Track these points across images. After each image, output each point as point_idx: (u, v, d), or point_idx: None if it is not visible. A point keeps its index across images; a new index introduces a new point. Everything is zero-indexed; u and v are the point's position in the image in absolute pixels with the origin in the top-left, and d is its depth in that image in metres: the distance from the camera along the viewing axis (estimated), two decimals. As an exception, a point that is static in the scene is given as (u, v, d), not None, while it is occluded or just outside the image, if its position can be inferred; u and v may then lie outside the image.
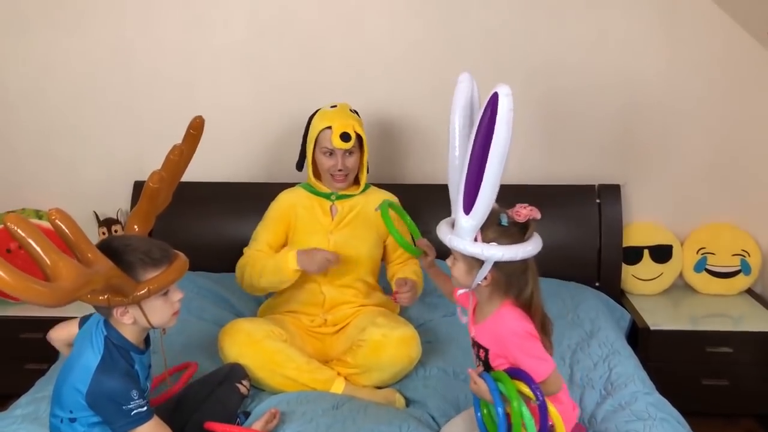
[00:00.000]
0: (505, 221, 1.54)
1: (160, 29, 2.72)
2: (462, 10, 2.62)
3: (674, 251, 2.75)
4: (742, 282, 2.75)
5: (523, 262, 1.55)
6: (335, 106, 2.23)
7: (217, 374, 1.91)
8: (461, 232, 1.54)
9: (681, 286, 2.82)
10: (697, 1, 2.57)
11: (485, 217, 1.52)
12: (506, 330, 1.57)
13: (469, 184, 1.50)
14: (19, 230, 1.21)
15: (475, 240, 1.53)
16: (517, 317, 1.57)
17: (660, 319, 2.54)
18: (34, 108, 2.80)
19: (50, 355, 2.18)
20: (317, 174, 2.27)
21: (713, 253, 2.74)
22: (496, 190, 1.50)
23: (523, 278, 1.56)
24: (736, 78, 2.65)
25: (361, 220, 2.24)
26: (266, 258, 2.19)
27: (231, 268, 2.32)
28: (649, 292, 2.77)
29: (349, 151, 2.19)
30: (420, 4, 2.64)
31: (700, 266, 2.75)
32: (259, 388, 2.00)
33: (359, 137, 2.20)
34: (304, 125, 2.27)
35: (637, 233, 2.76)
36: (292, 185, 2.36)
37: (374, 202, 2.18)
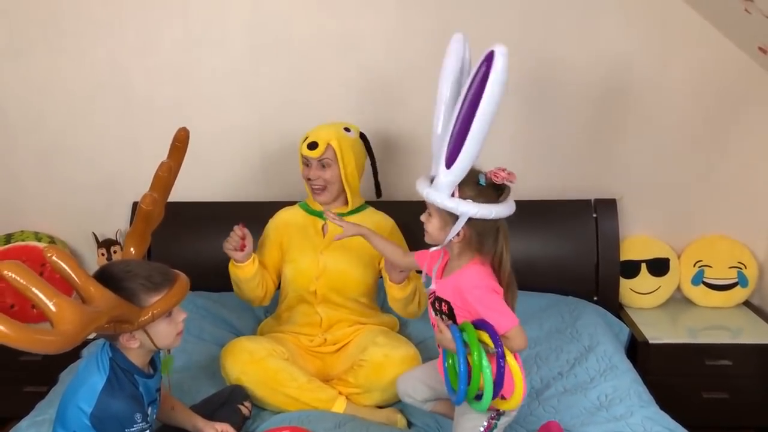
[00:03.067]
0: (483, 181, 1.59)
1: (157, 52, 2.74)
2: (458, 29, 2.64)
3: (671, 264, 2.76)
4: (739, 294, 2.75)
5: (495, 223, 1.60)
6: (324, 124, 2.26)
7: (218, 396, 1.91)
8: (440, 186, 1.59)
9: (679, 299, 2.83)
10: (688, 17, 2.61)
11: (464, 173, 1.57)
12: (468, 283, 1.61)
13: (454, 139, 1.55)
14: (17, 277, 1.19)
15: (452, 195, 1.58)
16: (481, 273, 1.62)
17: (659, 332, 2.55)
18: (33, 130, 2.81)
19: (49, 378, 2.19)
20: None
21: (710, 266, 2.75)
22: (479, 148, 1.54)
23: (493, 238, 1.61)
24: (727, 91, 2.68)
25: (353, 242, 2.16)
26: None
27: (229, 287, 2.32)
28: (647, 306, 2.78)
29: (322, 162, 2.19)
30: (416, 24, 2.66)
31: (698, 279, 2.76)
32: (260, 408, 2.00)
33: (335, 152, 2.18)
34: None
35: (634, 247, 2.77)
36: (291, 203, 2.37)
37: (372, 226, 2.13)
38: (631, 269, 2.76)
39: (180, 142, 1.86)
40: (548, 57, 2.69)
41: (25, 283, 1.20)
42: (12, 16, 2.72)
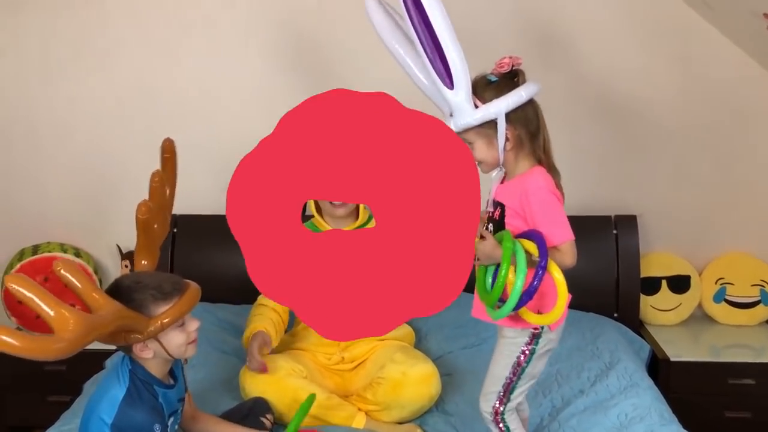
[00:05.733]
0: (493, 78, 1.57)
1: (181, 68, 2.80)
2: (482, 52, 2.66)
3: (692, 281, 2.74)
4: (762, 312, 2.72)
5: (533, 108, 1.58)
6: None
7: (241, 408, 1.92)
8: (459, 107, 1.56)
9: (700, 317, 2.80)
10: (709, 34, 2.60)
11: (469, 81, 1.55)
12: (534, 185, 1.57)
13: (436, 62, 1.53)
14: (20, 288, 1.23)
15: (476, 108, 1.55)
16: (547, 178, 1.59)
17: (680, 350, 2.52)
18: (61, 145, 2.87)
19: (73, 387, 2.22)
20: (320, 212, 2.27)
21: (732, 284, 2.72)
22: (460, 51, 1.53)
23: (540, 125, 1.59)
24: (749, 108, 2.67)
25: None
26: (253, 317, 2.20)
27: (250, 300, 2.34)
28: (668, 323, 2.76)
29: None
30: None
31: (720, 297, 2.74)
32: (281, 424, 2.01)
33: None
34: None
35: (655, 264, 2.75)
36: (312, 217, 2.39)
37: None
38: (651, 286, 2.74)
39: (167, 153, 1.87)
40: (568, 73, 2.70)
41: (27, 293, 1.23)
42: (43, 36, 2.79)
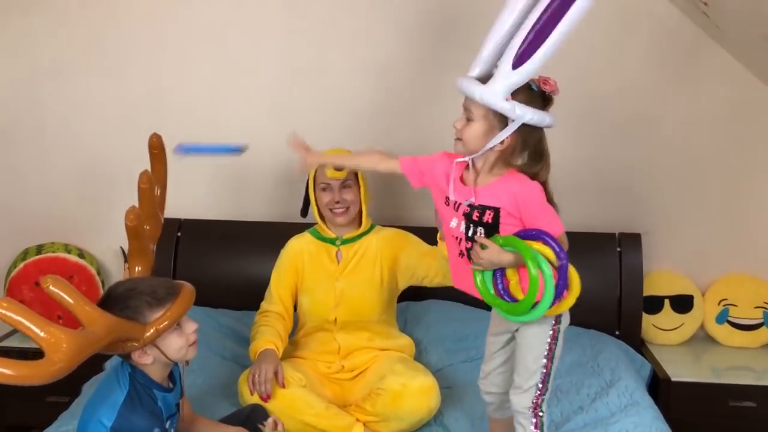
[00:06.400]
0: (535, 87, 1.55)
1: (193, 74, 2.81)
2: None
3: (695, 302, 2.73)
4: (765, 335, 2.71)
5: (540, 135, 1.58)
6: (331, 149, 2.26)
7: (238, 415, 1.91)
8: (498, 87, 1.51)
9: (702, 338, 2.79)
10: (716, 55, 2.61)
11: (531, 76, 1.52)
12: (528, 184, 1.58)
13: (530, 39, 1.49)
14: (8, 312, 1.22)
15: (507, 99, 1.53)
16: (530, 179, 1.59)
17: (681, 370, 2.51)
18: (70, 147, 2.89)
19: (72, 388, 2.21)
20: (323, 219, 2.28)
21: (735, 305, 2.71)
22: (552, 53, 1.51)
23: (539, 149, 1.58)
24: (755, 129, 2.67)
25: (367, 263, 2.22)
26: (260, 328, 2.19)
27: (252, 306, 2.35)
28: (670, 343, 2.75)
29: (345, 184, 2.20)
30: (447, 54, 2.69)
31: (722, 318, 2.73)
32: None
33: (355, 172, 2.21)
34: None
35: (658, 283, 2.74)
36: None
37: (379, 243, 2.21)
38: (654, 305, 2.73)
39: (155, 149, 1.86)
40: (576, 90, 2.70)
41: (15, 317, 1.23)
42: (56, 38, 2.82)
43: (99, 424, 1.51)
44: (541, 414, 1.69)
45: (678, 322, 2.74)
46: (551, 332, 1.66)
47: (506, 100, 1.52)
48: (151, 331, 1.48)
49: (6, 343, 2.71)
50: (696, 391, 2.44)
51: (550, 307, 1.55)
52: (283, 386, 2.02)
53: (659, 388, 2.45)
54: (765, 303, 2.71)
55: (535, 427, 1.69)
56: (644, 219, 2.75)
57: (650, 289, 2.72)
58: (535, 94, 1.56)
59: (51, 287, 1.34)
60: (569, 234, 2.67)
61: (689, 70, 2.65)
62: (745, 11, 2.20)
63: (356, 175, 2.23)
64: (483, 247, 1.58)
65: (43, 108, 2.87)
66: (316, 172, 2.22)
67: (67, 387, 2.28)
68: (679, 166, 2.72)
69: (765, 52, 2.32)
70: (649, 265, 2.74)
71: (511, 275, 1.61)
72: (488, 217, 1.60)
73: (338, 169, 2.16)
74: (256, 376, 2.01)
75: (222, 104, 2.83)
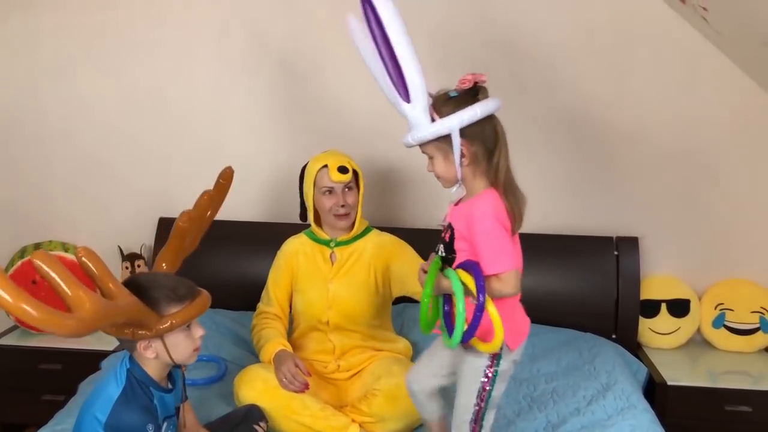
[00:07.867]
0: (453, 93, 1.57)
1: (193, 74, 2.82)
2: (489, 72, 2.68)
3: (692, 306, 2.73)
4: (761, 340, 2.71)
5: (492, 124, 1.56)
6: (326, 151, 2.26)
7: (234, 415, 1.92)
8: (416, 121, 1.58)
9: (699, 342, 2.79)
10: (717, 61, 2.62)
11: (425, 95, 1.57)
12: (479, 210, 1.56)
13: (394, 77, 1.57)
14: (43, 265, 1.28)
15: (433, 121, 1.57)
16: (496, 202, 1.56)
17: (677, 374, 2.52)
18: (69, 145, 2.89)
19: (67, 387, 2.22)
20: (318, 220, 2.27)
21: (731, 309, 2.72)
22: (418, 66, 1.56)
23: (498, 143, 1.56)
24: (754, 134, 2.67)
25: (361, 267, 2.21)
26: (263, 331, 2.20)
27: (249, 306, 2.35)
28: (667, 347, 2.75)
29: (349, 186, 2.19)
30: (439, 56, 2.69)
31: (719, 322, 2.73)
32: (274, 433, 2.01)
33: (356, 174, 2.22)
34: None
35: (655, 287, 2.75)
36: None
37: (375, 248, 2.20)
38: (650, 309, 2.73)
39: (224, 179, 1.93)
40: (573, 95, 2.71)
41: (50, 272, 1.28)
42: (57, 37, 2.82)
43: (94, 419, 1.52)
44: None
45: (674, 326, 2.74)
46: (486, 371, 1.61)
47: (432, 122, 1.57)
48: (166, 323, 1.51)
49: (4, 341, 2.71)
50: (692, 395, 2.44)
51: (463, 343, 1.51)
52: (309, 374, 2.05)
53: (655, 391, 2.45)
54: (761, 308, 2.71)
55: None
56: (642, 223, 2.76)
57: (647, 292, 2.72)
58: (459, 97, 1.57)
59: (83, 258, 1.42)
60: (566, 237, 2.72)
61: (689, 75, 2.66)
62: (745, 17, 2.21)
63: (357, 178, 2.23)
64: (426, 271, 1.60)
65: (43, 105, 2.87)
66: (316, 176, 2.20)
67: (63, 386, 2.32)
68: (677, 170, 2.73)
69: (764, 57, 2.32)
70: (646, 269, 2.75)
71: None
72: (447, 235, 1.63)
73: (343, 172, 2.16)
74: (284, 379, 2.02)
75: (222, 104, 2.83)
